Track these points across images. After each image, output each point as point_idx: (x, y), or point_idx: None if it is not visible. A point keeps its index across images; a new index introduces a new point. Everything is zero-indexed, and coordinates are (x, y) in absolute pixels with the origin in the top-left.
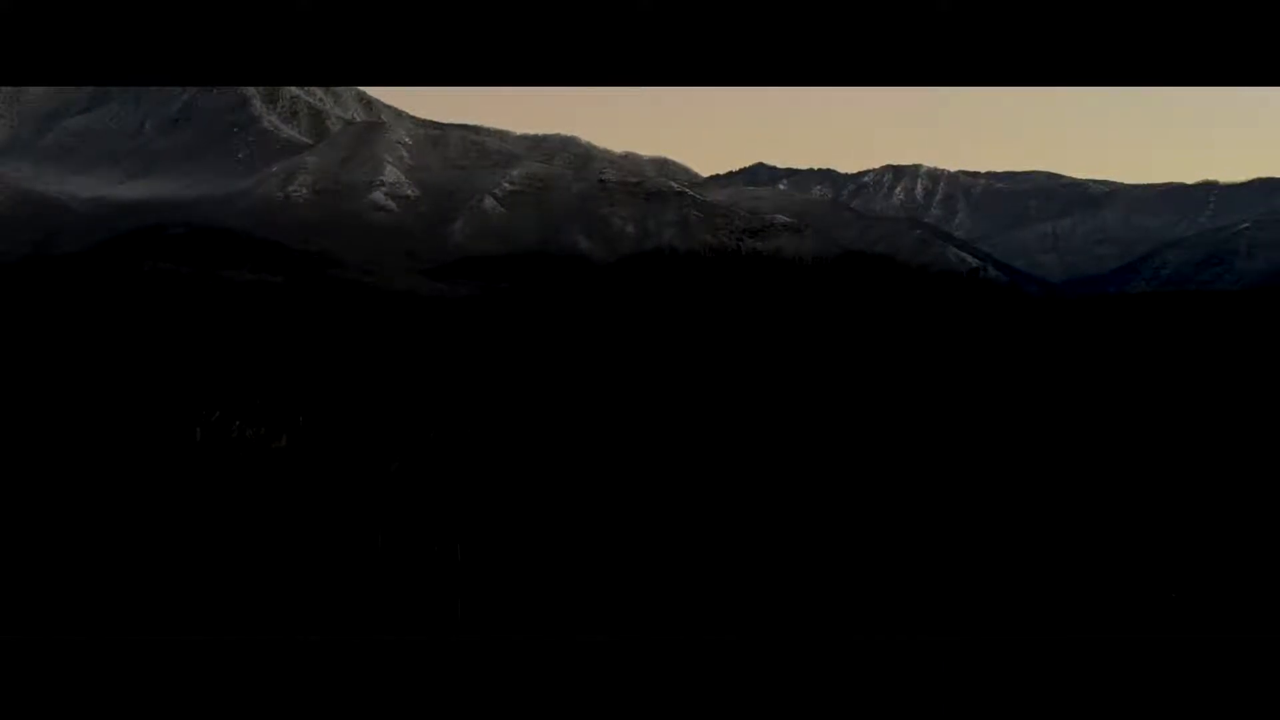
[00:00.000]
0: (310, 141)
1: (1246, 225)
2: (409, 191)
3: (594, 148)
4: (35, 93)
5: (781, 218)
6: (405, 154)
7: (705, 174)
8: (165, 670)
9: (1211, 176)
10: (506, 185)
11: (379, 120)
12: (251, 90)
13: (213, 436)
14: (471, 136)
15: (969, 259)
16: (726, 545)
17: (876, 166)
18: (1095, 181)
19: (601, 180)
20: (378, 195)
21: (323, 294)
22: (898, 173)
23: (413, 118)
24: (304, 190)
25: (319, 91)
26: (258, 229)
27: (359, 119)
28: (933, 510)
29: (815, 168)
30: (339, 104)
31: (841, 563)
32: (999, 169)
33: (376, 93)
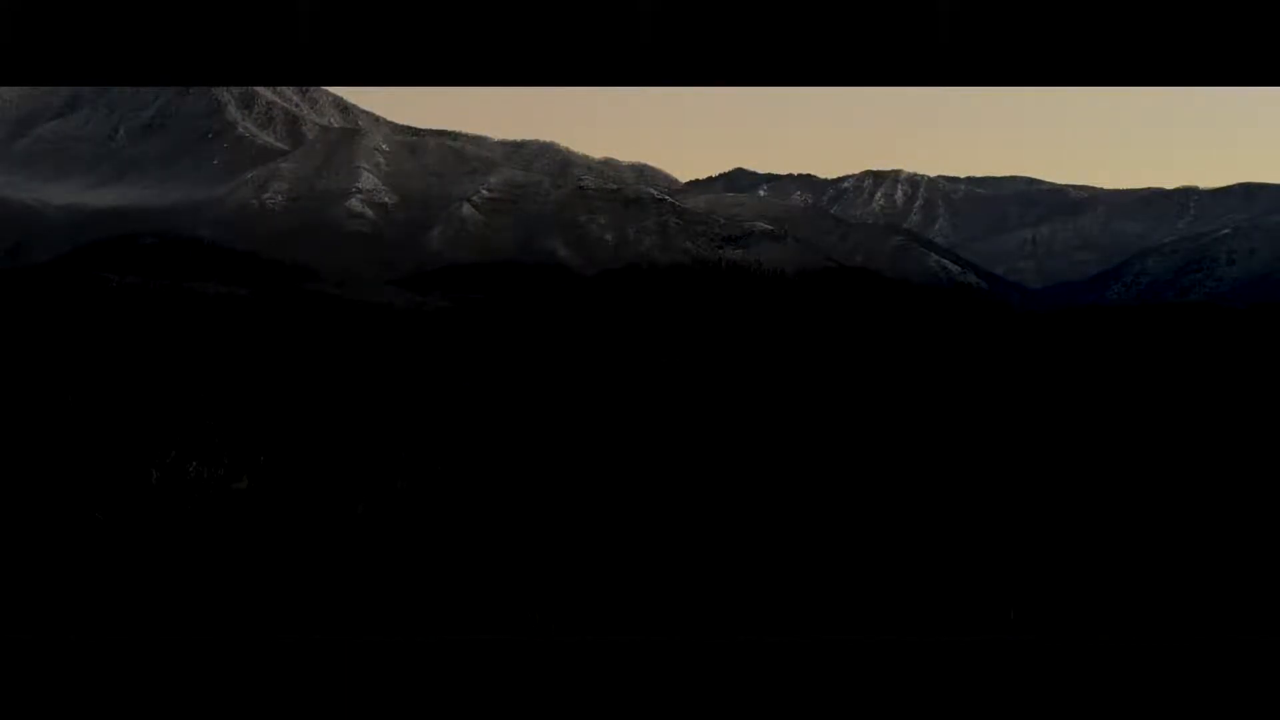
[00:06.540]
0: (286, 147)
1: (1227, 231)
2: (386, 199)
3: (573, 153)
4: (8, 97)
5: (761, 224)
6: (382, 160)
7: (684, 179)
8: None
9: (1191, 182)
10: (484, 192)
11: (356, 126)
12: (227, 95)
13: (170, 477)
14: (449, 142)
15: (949, 266)
16: (709, 553)
17: (856, 172)
18: (1075, 187)
19: (580, 187)
20: (354, 202)
21: (295, 308)
22: (878, 178)
23: (390, 123)
24: (279, 197)
25: (295, 96)
26: (231, 238)
27: (336, 125)
28: (913, 515)
29: (795, 173)
30: (315, 109)
31: (828, 565)
32: (978, 174)
33: (353, 98)
